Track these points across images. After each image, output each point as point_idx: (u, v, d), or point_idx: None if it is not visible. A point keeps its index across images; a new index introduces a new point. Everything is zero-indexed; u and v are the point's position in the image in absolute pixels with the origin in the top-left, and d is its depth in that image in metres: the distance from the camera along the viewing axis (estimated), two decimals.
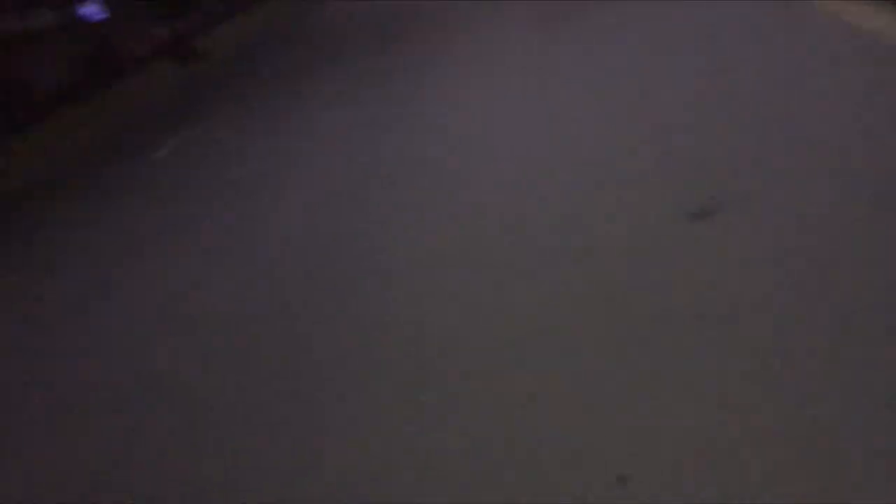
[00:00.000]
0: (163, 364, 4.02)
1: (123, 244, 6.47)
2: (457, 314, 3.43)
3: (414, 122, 6.80)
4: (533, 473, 2.37)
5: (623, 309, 3.03)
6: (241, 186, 6.96)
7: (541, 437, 2.51)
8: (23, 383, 4.49)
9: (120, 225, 7.13)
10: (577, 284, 3.31)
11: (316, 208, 5.55)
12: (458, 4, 13.25)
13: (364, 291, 4.01)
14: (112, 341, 4.57)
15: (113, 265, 6.00)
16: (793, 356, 2.47)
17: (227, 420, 3.29)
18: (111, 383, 4.01)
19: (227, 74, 14.82)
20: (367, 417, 2.95)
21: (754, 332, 2.63)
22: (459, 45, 9.73)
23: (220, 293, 4.66)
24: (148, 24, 19.30)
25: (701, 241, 3.31)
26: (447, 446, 2.63)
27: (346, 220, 5.12)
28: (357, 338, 3.57)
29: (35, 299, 5.95)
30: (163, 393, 3.72)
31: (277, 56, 14.76)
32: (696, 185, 3.79)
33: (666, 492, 2.14)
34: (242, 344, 3.91)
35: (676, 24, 6.82)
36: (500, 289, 3.52)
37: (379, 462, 2.66)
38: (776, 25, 5.76)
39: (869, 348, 2.40)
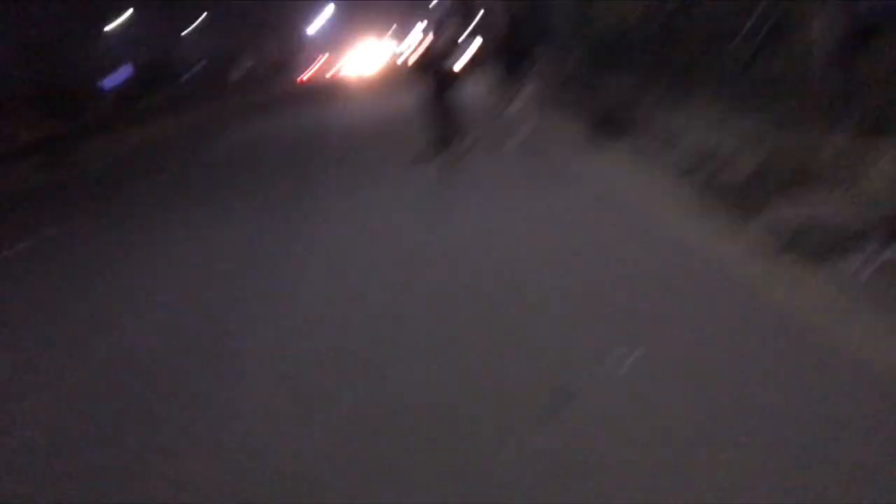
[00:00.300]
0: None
1: None
2: None
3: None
4: None
5: None
6: (89, 295, 6.88)
7: None
8: None
9: None
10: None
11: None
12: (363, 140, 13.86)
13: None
14: None
15: None
16: None
17: None
18: None
19: (98, 185, 14.53)
20: None
21: None
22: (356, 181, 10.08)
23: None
24: (20, 122, 18.75)
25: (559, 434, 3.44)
26: None
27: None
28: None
29: None
30: None
31: (156, 176, 14.64)
32: (545, 381, 3.93)
33: None
34: None
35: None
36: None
37: None
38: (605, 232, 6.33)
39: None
